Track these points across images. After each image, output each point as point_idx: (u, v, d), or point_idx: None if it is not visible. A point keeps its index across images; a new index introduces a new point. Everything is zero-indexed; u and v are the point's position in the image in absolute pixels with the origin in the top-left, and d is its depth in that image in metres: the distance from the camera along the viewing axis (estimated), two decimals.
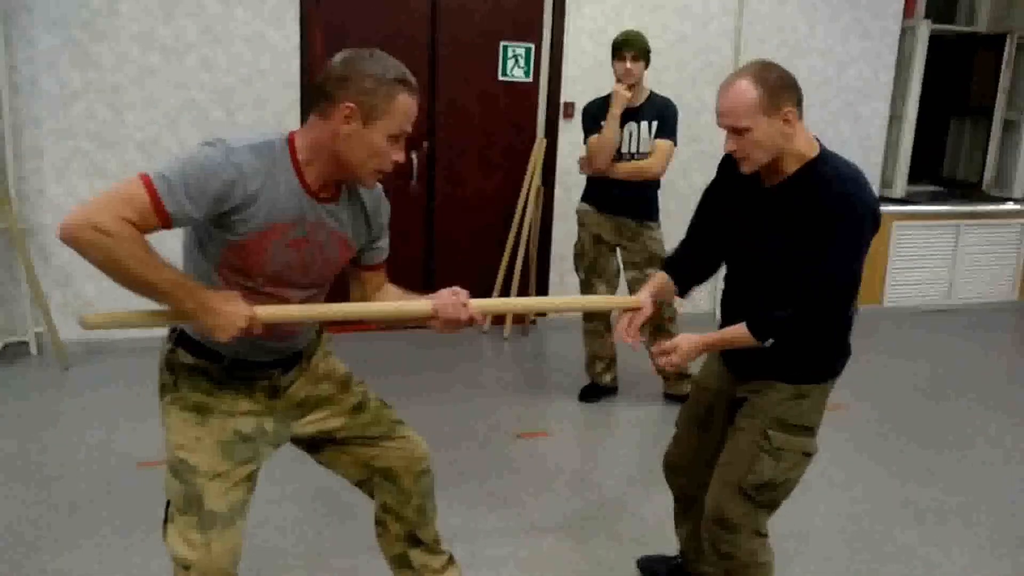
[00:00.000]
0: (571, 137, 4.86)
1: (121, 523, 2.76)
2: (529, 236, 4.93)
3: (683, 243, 2.25)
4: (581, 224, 3.89)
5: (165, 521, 1.81)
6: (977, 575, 2.70)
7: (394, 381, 3.91)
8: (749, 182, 1.99)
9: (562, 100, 4.96)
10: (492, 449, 3.42)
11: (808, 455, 2.01)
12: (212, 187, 1.60)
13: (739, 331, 1.93)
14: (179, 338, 1.84)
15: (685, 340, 2.01)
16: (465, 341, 4.77)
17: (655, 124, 3.67)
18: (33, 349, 4.29)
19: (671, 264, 2.23)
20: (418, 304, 1.87)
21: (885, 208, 5.81)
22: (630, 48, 3.60)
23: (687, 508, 2.36)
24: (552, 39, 4.91)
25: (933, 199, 6.15)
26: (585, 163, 3.86)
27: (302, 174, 1.71)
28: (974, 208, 6.01)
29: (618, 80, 3.65)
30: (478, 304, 1.87)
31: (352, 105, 1.64)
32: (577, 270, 3.94)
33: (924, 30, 5.76)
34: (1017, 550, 2.85)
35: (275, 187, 1.67)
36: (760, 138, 1.85)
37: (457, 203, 4.98)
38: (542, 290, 5.11)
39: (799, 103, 1.89)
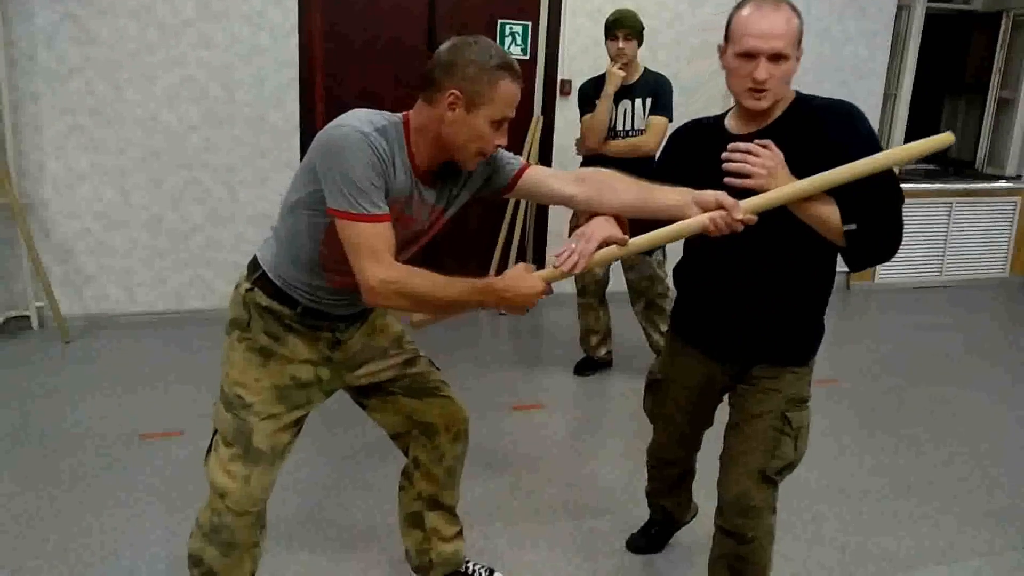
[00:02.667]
0: (568, 115, 4.88)
1: (123, 495, 2.81)
2: (526, 213, 4.96)
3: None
4: None
5: (209, 450, 1.93)
6: (965, 546, 2.76)
7: None
8: (713, 144, 1.89)
9: (559, 78, 4.98)
10: (487, 421, 3.47)
11: (808, 427, 2.04)
12: (377, 174, 1.67)
13: (830, 210, 1.78)
14: (259, 278, 1.89)
15: (780, 164, 1.81)
16: (462, 315, 4.82)
17: (649, 101, 3.70)
18: (34, 323, 4.33)
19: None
20: (696, 220, 1.79)
21: None
22: (622, 27, 3.62)
23: (674, 487, 2.44)
24: (549, 17, 4.91)
25: (927, 177, 6.19)
26: (579, 143, 3.89)
27: (413, 156, 1.77)
28: (967, 186, 6.06)
29: (612, 59, 3.67)
30: (749, 204, 1.77)
31: (456, 92, 1.69)
32: None
33: (920, 8, 5.78)
34: (1005, 522, 2.92)
35: (396, 168, 1.73)
36: (788, 71, 1.81)
37: None
38: (539, 264, 5.14)
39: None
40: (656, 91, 3.70)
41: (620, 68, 3.64)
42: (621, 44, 3.62)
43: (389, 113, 1.78)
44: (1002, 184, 6.14)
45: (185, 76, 4.34)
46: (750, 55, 1.80)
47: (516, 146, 4.91)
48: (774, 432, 1.93)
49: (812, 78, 5.50)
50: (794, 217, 1.82)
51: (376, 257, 1.66)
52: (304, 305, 1.89)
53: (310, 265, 1.83)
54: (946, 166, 6.58)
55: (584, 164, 3.93)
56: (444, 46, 1.73)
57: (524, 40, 4.90)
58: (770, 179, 1.78)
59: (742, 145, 1.83)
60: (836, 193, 1.78)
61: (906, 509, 2.98)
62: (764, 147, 1.81)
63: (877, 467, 3.29)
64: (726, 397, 2.16)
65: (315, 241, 1.79)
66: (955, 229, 6.06)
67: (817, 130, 1.82)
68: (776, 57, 1.78)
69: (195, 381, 3.76)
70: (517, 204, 4.89)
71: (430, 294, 1.72)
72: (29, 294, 4.30)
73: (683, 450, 2.35)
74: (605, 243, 1.86)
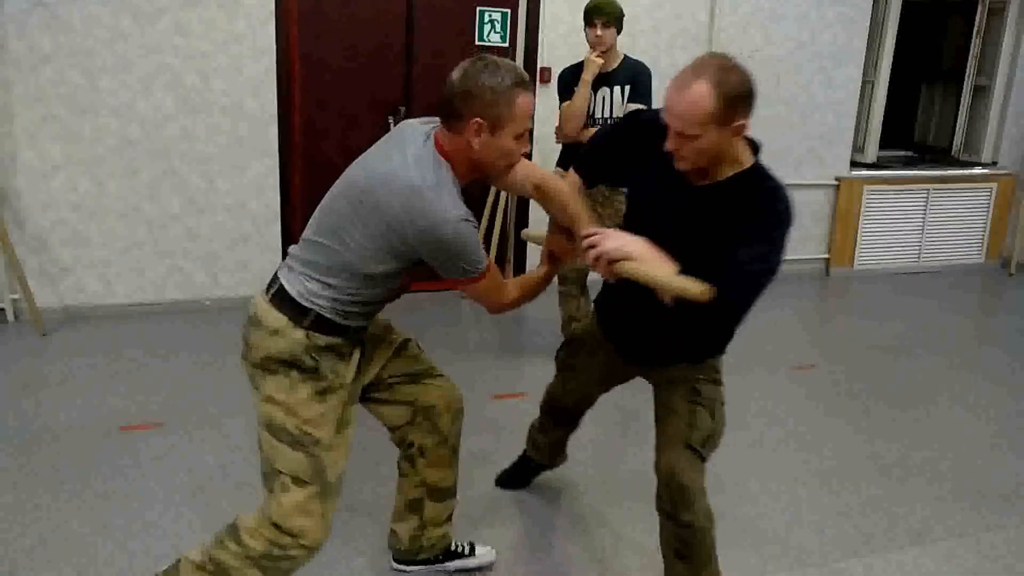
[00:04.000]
0: (548, 102, 4.86)
1: (104, 487, 2.79)
2: (506, 203, 4.95)
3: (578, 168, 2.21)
4: None
5: (271, 492, 1.89)
6: (939, 526, 2.81)
7: None
8: (671, 172, 1.89)
9: (538, 65, 4.97)
10: (468, 410, 3.44)
11: (723, 404, 2.12)
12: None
13: (683, 281, 1.75)
14: (314, 323, 1.88)
15: (622, 237, 1.85)
16: (445, 302, 4.82)
17: (628, 89, 3.70)
18: (9, 316, 4.28)
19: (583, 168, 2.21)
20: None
21: (857, 173, 5.91)
22: (601, 15, 3.61)
23: (555, 427, 2.64)
24: (528, 4, 4.89)
25: (904, 164, 6.25)
26: (559, 132, 3.89)
27: (457, 183, 1.86)
28: (944, 173, 6.12)
29: (590, 47, 3.66)
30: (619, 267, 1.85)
31: (479, 120, 1.76)
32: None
33: None
34: (978, 502, 2.97)
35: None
36: (706, 146, 1.77)
37: None
38: (519, 255, 5.16)
39: (751, 112, 1.80)
40: (635, 79, 3.70)
41: (598, 55, 3.63)
42: (599, 32, 3.61)
43: (431, 154, 1.80)
44: (978, 171, 6.21)
45: (160, 64, 4.29)
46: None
47: None
48: (688, 405, 2.03)
49: (791, 64, 5.53)
50: (680, 243, 1.82)
51: (499, 291, 1.97)
52: (355, 326, 1.95)
53: (385, 292, 1.93)
54: (923, 153, 6.64)
55: (563, 151, 3.93)
56: (456, 74, 1.78)
57: (503, 27, 4.88)
58: (613, 250, 1.80)
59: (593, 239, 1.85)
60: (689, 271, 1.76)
61: (882, 492, 3.02)
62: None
63: (853, 450, 3.33)
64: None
65: (398, 279, 1.91)
66: (932, 216, 6.12)
67: (752, 207, 1.81)
68: (683, 135, 1.76)
69: (174, 372, 3.74)
70: (497, 195, 4.88)
71: (529, 292, 2.04)
72: (3, 286, 4.24)
73: (573, 403, 2.52)
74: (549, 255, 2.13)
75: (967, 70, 6.29)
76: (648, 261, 1.78)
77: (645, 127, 2.03)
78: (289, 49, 4.53)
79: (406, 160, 1.77)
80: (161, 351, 3.99)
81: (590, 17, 3.64)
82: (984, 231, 6.30)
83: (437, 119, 1.87)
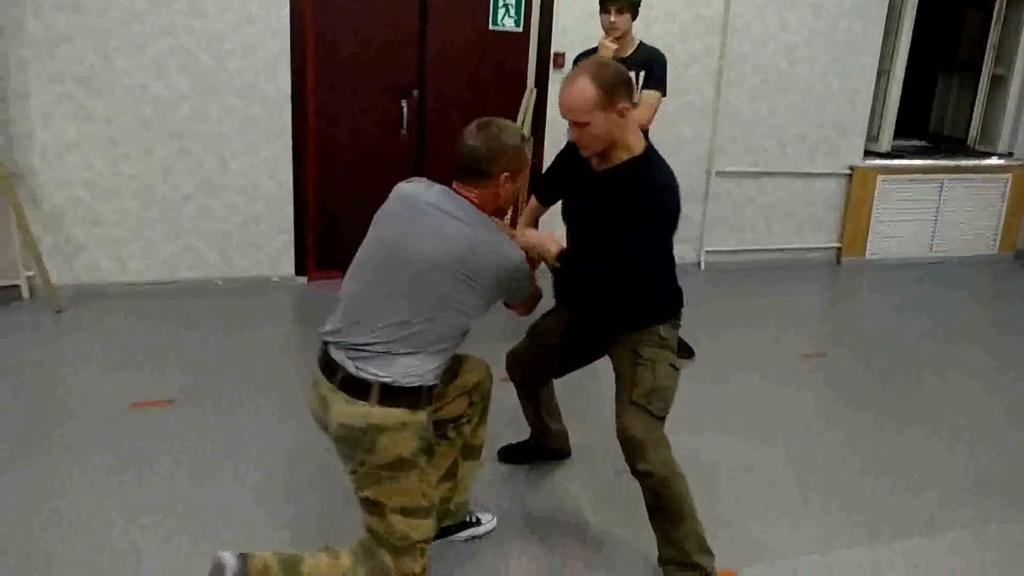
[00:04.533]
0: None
1: (116, 463, 2.83)
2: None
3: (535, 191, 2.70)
4: None
5: (399, 558, 2.01)
6: (948, 517, 2.81)
7: None
8: (584, 163, 2.26)
9: (552, 50, 4.95)
10: None
11: (675, 368, 2.29)
12: None
13: (548, 241, 2.20)
14: (427, 397, 2.02)
15: (540, 234, 2.25)
16: None
17: (643, 74, 3.68)
18: (25, 293, 4.32)
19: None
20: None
21: (871, 162, 5.87)
22: (616, 1, 3.59)
23: (528, 394, 2.78)
24: None
25: (918, 154, 6.20)
26: None
27: None
28: (959, 163, 6.07)
29: (605, 32, 3.65)
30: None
31: (507, 173, 2.07)
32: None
33: None
34: (988, 493, 2.97)
35: None
36: (598, 131, 2.10)
37: (447, 154, 4.98)
38: None
39: (631, 94, 2.13)
40: (650, 65, 3.69)
41: (612, 41, 3.62)
42: (613, 17, 3.60)
43: (473, 209, 2.05)
44: (993, 161, 6.16)
45: (175, 45, 4.30)
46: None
47: (509, 118, 4.88)
48: (630, 366, 2.24)
49: (806, 53, 5.50)
50: (589, 224, 2.24)
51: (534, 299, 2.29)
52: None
53: (459, 339, 2.09)
54: (938, 143, 6.59)
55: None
56: (477, 141, 2.04)
57: (517, 12, 4.86)
58: (533, 239, 2.23)
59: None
60: (596, 249, 2.17)
61: (889, 482, 3.02)
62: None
63: (861, 441, 3.33)
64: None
65: (468, 322, 2.08)
66: (945, 206, 6.08)
67: (632, 194, 2.13)
68: (577, 124, 2.11)
69: (187, 351, 3.77)
70: None
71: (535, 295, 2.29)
72: (19, 264, 4.28)
73: (533, 361, 2.67)
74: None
75: (985, 60, 6.23)
76: (543, 244, 2.20)
77: (568, 148, 2.41)
78: (303, 31, 4.53)
79: (467, 222, 2.01)
80: (174, 330, 4.03)
81: (605, 3, 3.62)
82: (998, 222, 6.26)
83: (429, 181, 2.13)
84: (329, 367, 2.00)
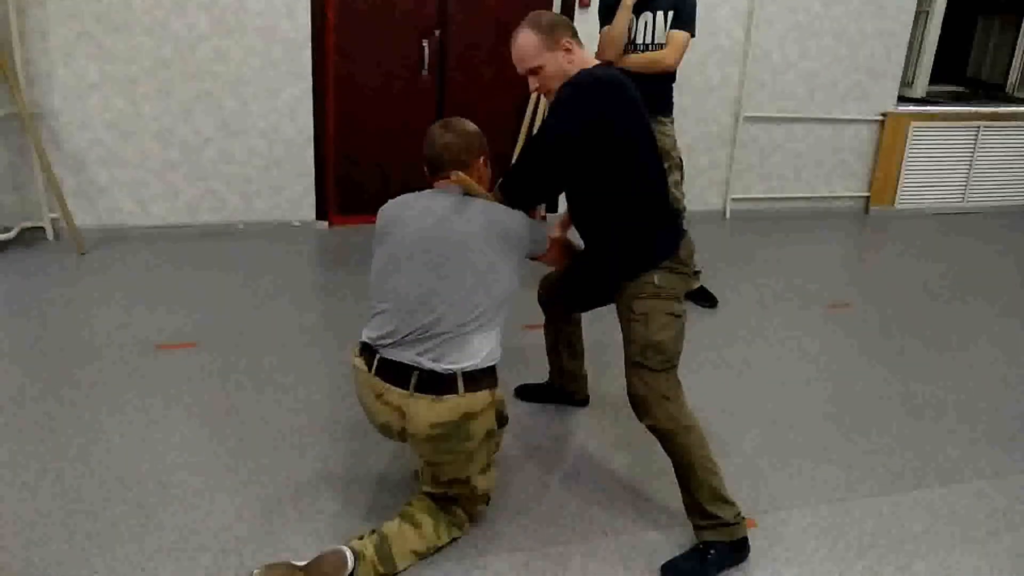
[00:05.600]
0: (587, 28, 4.72)
1: (142, 402, 2.86)
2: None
3: None
4: None
5: (471, 483, 2.15)
6: (969, 467, 2.79)
7: None
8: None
9: None
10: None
11: (674, 315, 2.20)
12: None
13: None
14: (494, 378, 2.09)
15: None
16: None
17: (671, 14, 3.57)
18: (49, 234, 4.34)
19: None
20: None
21: (904, 108, 5.71)
22: None
23: (552, 322, 2.80)
24: None
25: (954, 99, 6.02)
26: (598, 57, 3.78)
27: None
28: (995, 109, 5.89)
29: None
30: None
31: (483, 157, 2.23)
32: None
33: None
34: (1009, 445, 2.94)
35: None
36: (553, 71, 2.18)
37: (469, 95, 4.91)
38: None
39: (575, 34, 2.20)
40: (678, 4, 3.57)
41: None
42: None
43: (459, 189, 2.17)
44: None
45: None
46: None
47: None
48: (626, 323, 2.23)
49: None
50: (579, 186, 2.24)
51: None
52: None
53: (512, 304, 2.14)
54: (975, 89, 6.39)
55: None
56: (449, 137, 2.15)
57: None
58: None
59: None
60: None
61: (912, 430, 3.00)
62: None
63: (886, 390, 3.30)
64: None
65: (517, 282, 2.15)
66: (980, 154, 5.92)
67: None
68: (532, 71, 2.20)
69: (209, 294, 3.79)
70: (532, 120, 4.80)
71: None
72: (43, 205, 4.30)
73: (558, 286, 2.69)
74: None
75: None
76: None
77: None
78: None
79: (477, 206, 2.10)
80: (197, 273, 4.04)
81: None
82: None
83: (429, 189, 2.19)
84: (395, 372, 2.01)
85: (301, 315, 3.66)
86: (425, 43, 4.69)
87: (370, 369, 2.05)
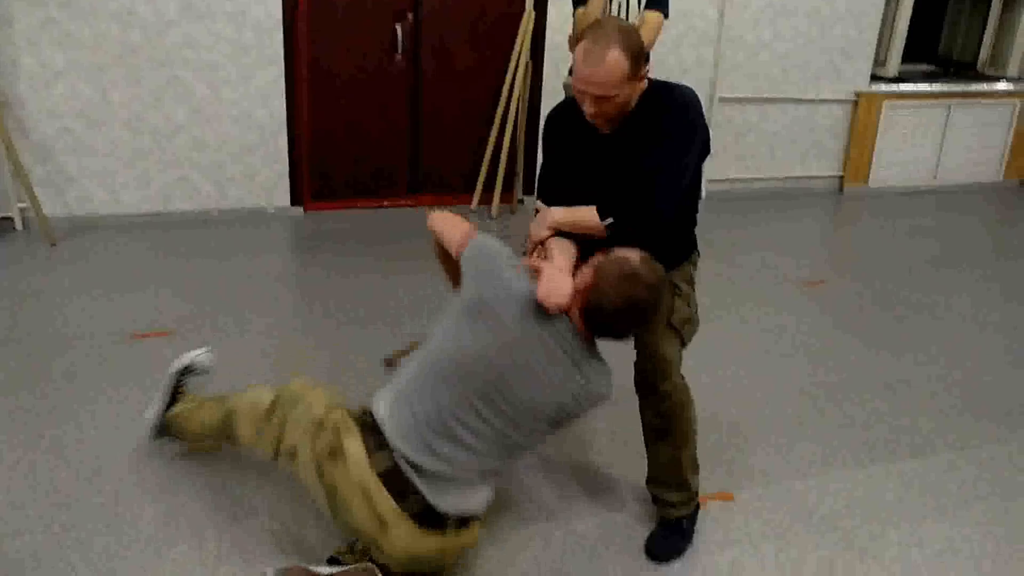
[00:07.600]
0: (561, 9, 4.72)
1: (116, 392, 2.84)
2: (517, 112, 4.86)
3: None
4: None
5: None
6: (940, 439, 2.84)
7: (378, 251, 3.98)
8: (584, 133, 2.10)
9: None
10: None
11: (696, 305, 2.30)
12: None
13: (586, 213, 2.09)
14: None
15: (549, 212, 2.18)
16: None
17: None
18: (18, 224, 4.28)
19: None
20: None
21: (877, 87, 5.75)
22: None
23: None
24: None
25: (926, 78, 6.07)
26: (572, 40, 3.77)
27: None
28: (966, 88, 5.94)
29: None
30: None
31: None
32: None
33: None
34: (981, 417, 2.99)
35: None
36: (623, 101, 1.98)
37: (443, 78, 4.88)
38: (530, 165, 5.08)
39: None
40: None
41: None
42: None
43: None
44: (1002, 86, 6.03)
45: None
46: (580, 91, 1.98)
47: (509, 43, 4.77)
48: (671, 297, 2.20)
49: None
50: (616, 184, 2.07)
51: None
52: None
53: None
54: (947, 67, 6.44)
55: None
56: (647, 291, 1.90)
57: None
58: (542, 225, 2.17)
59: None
60: (599, 194, 2.08)
61: (886, 405, 3.04)
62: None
63: (860, 364, 3.34)
64: None
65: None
66: (951, 133, 5.98)
67: (658, 121, 2.02)
68: (603, 98, 1.95)
69: (184, 282, 3.75)
70: (508, 104, 4.78)
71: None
72: (11, 195, 4.23)
73: None
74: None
75: None
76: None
77: (559, 118, 2.23)
78: None
79: (584, 374, 1.93)
80: (171, 261, 4.00)
81: None
82: (1004, 149, 6.17)
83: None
84: (399, 485, 1.76)
85: (277, 302, 3.63)
86: (398, 27, 4.65)
87: (371, 461, 1.78)
